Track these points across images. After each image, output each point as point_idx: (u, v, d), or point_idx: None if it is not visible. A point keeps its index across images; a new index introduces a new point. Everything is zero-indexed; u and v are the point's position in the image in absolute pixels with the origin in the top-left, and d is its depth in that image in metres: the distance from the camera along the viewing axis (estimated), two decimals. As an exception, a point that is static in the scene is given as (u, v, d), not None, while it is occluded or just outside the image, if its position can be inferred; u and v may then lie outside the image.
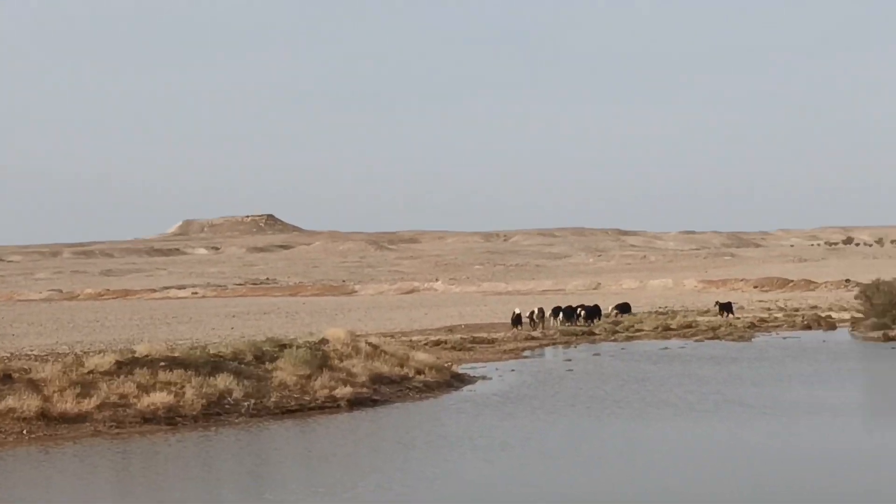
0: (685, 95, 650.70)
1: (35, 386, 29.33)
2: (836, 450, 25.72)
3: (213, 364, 32.68)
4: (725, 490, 21.26)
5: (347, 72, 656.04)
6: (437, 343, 52.86)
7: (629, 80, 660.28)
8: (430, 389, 36.35)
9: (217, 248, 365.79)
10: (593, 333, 60.86)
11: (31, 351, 48.53)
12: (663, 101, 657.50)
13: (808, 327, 63.80)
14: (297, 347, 35.47)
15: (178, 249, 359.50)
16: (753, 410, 31.48)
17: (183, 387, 30.85)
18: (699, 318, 68.76)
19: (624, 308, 75.26)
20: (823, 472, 23.10)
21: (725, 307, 72.06)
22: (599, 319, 68.29)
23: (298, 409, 32.09)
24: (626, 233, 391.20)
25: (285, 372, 33.68)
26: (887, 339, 54.61)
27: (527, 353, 51.24)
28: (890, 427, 29.83)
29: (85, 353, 39.60)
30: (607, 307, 75.52)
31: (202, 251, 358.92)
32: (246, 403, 31.28)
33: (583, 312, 68.07)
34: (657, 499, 20.71)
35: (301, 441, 28.27)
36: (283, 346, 35.91)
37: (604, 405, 32.96)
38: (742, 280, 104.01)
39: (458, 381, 38.69)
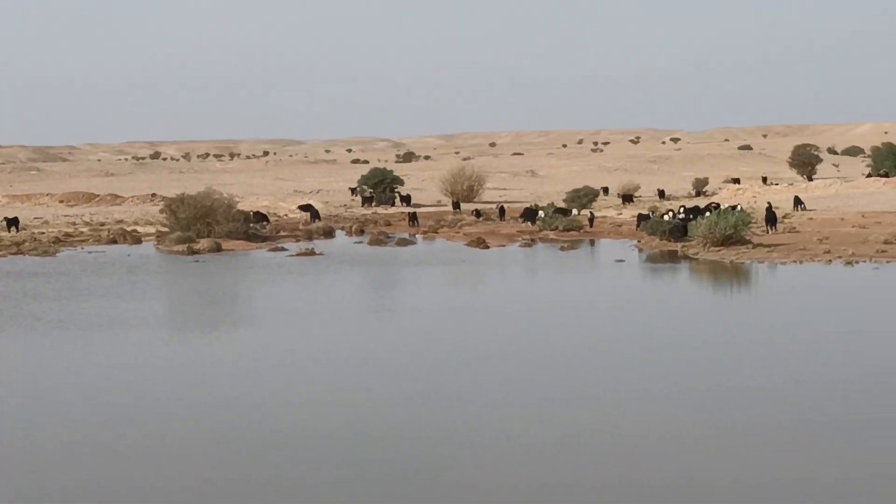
0: None
1: None
2: (194, 361, 26.04)
3: None
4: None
5: None
6: None
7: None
8: None
9: None
10: None
11: None
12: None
13: (115, 241, 63.69)
14: None
15: None
16: (49, 324, 31.16)
17: None
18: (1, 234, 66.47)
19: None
20: (140, 383, 23.28)
21: (12, 222, 69.29)
22: None
23: None
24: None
25: None
26: (192, 252, 55.89)
27: None
28: (185, 340, 30.70)
29: None
30: None
31: None
32: None
33: None
34: None
35: None
36: None
37: None
38: (48, 195, 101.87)
39: None
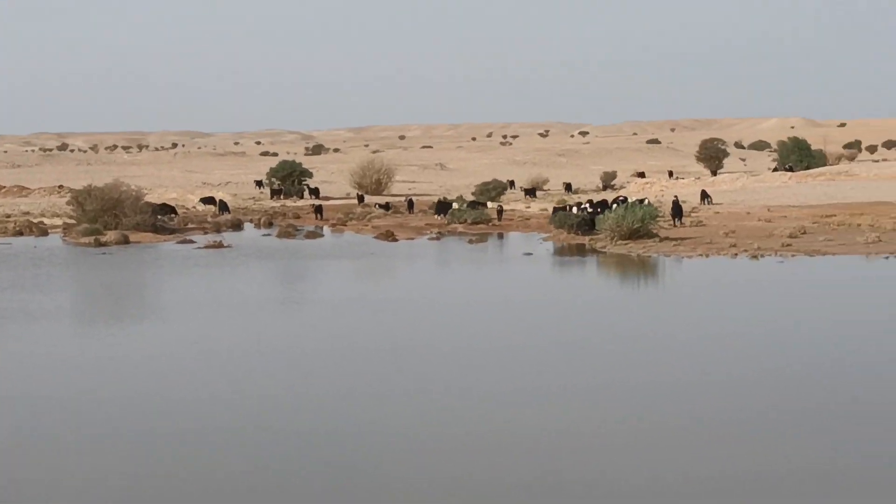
0: None
1: None
2: (99, 353, 25.78)
3: None
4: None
5: None
6: None
7: None
8: None
9: None
10: None
11: None
12: None
13: (21, 233, 62.84)
14: None
15: None
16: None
17: None
18: None
19: None
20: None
21: None
22: None
23: None
24: None
25: None
26: (98, 244, 55.32)
27: None
28: (91, 332, 30.45)
29: None
30: None
31: None
32: None
33: None
34: None
35: None
36: None
37: None
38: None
39: None
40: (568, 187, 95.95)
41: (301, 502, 15.48)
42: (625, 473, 16.35)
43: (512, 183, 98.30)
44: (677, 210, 57.94)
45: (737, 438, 18.09)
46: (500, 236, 58.54)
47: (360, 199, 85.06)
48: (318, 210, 71.13)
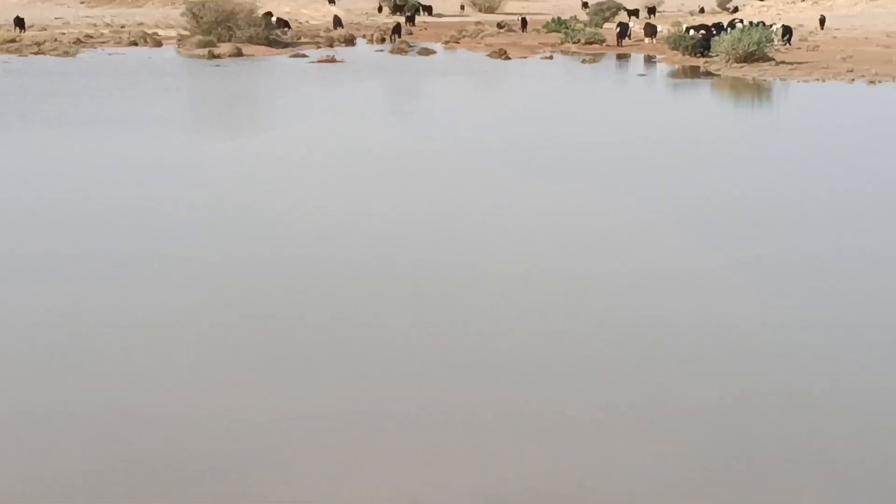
0: None
1: None
2: (211, 159, 26.37)
3: None
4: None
5: None
6: None
7: None
8: None
9: None
10: None
11: None
12: None
13: (135, 44, 63.59)
14: None
15: None
16: (67, 122, 31.59)
17: None
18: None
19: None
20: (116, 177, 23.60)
21: (18, 22, 68.69)
22: None
23: None
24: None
25: None
26: (212, 56, 55.81)
27: None
28: (204, 137, 30.97)
29: None
30: None
31: None
32: None
33: None
34: None
35: None
36: None
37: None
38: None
39: None
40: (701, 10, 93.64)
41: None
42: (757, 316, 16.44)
43: (637, 11, 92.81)
44: (787, 31, 57.29)
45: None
46: (616, 57, 57.86)
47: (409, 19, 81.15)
48: (397, 29, 69.73)
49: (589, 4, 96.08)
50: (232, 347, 13.74)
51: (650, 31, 62.67)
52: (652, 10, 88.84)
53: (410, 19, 77.01)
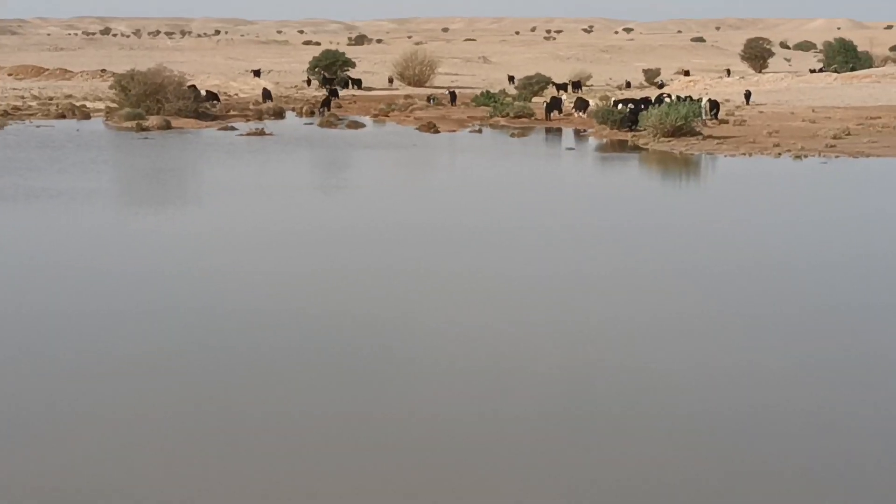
0: None
1: None
2: (138, 232, 26.07)
3: None
4: None
5: None
6: None
7: None
8: None
9: None
10: None
11: None
12: None
13: (63, 116, 63.17)
14: None
15: None
16: (6, 197, 31.16)
17: None
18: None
19: None
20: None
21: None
22: None
23: None
24: None
25: None
26: (140, 129, 55.54)
27: None
28: (129, 213, 30.73)
29: None
30: None
31: None
32: None
33: None
34: None
35: None
36: None
37: None
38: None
39: None
40: (628, 84, 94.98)
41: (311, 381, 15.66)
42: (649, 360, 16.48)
43: (566, 86, 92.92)
44: (714, 106, 58.13)
45: (761, 331, 18.14)
46: (545, 131, 58.30)
47: (333, 92, 79.55)
48: (325, 102, 70.11)
49: (515, 79, 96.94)
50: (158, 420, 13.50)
51: (581, 105, 63.10)
52: (577, 85, 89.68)
53: (333, 93, 75.99)
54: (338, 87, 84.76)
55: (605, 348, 17.08)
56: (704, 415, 14.24)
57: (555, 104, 64.58)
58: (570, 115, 64.31)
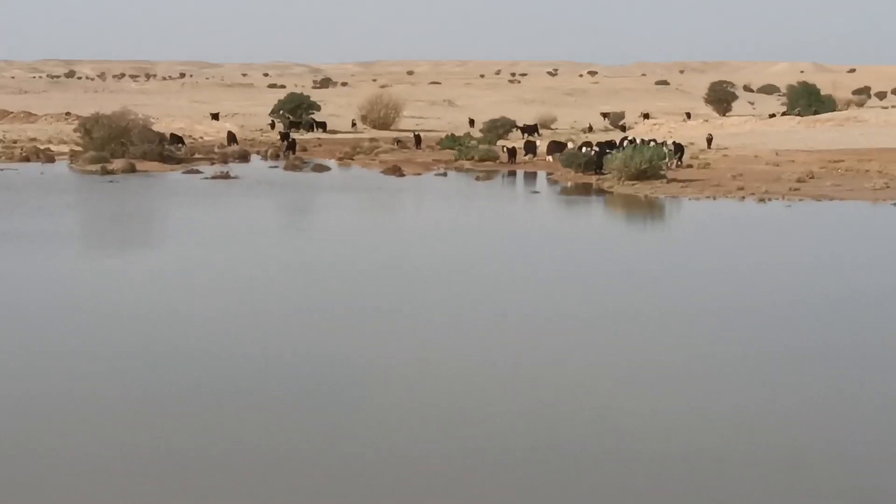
0: None
1: None
2: (101, 274, 25.92)
3: None
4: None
5: None
6: None
7: None
8: None
9: None
10: None
11: None
12: None
13: (27, 159, 62.89)
14: None
15: None
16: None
17: None
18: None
19: None
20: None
21: None
22: None
23: None
24: None
25: None
26: (105, 172, 55.31)
27: None
28: (94, 256, 30.57)
29: None
30: None
31: None
32: None
33: None
34: None
35: None
36: None
37: None
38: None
39: None
40: (590, 128, 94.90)
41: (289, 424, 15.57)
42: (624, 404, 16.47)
43: (531, 130, 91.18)
44: (679, 149, 58.32)
45: (734, 373, 18.18)
46: (508, 174, 58.44)
47: (284, 136, 76.15)
48: (289, 146, 69.61)
49: (475, 122, 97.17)
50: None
51: (555, 148, 63.09)
52: (534, 129, 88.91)
53: (291, 146, 72.27)
54: (294, 138, 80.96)
55: (571, 389, 17.06)
56: (661, 457, 14.23)
57: (530, 148, 64.98)
58: (530, 159, 64.33)
